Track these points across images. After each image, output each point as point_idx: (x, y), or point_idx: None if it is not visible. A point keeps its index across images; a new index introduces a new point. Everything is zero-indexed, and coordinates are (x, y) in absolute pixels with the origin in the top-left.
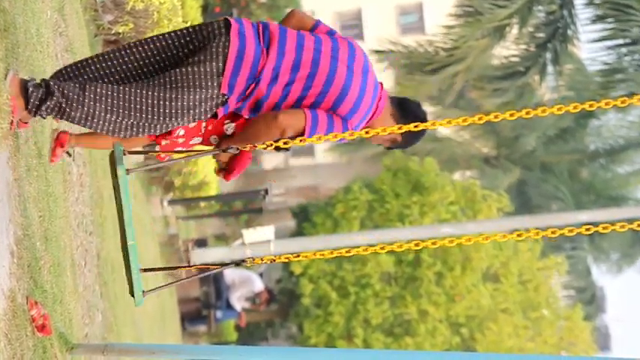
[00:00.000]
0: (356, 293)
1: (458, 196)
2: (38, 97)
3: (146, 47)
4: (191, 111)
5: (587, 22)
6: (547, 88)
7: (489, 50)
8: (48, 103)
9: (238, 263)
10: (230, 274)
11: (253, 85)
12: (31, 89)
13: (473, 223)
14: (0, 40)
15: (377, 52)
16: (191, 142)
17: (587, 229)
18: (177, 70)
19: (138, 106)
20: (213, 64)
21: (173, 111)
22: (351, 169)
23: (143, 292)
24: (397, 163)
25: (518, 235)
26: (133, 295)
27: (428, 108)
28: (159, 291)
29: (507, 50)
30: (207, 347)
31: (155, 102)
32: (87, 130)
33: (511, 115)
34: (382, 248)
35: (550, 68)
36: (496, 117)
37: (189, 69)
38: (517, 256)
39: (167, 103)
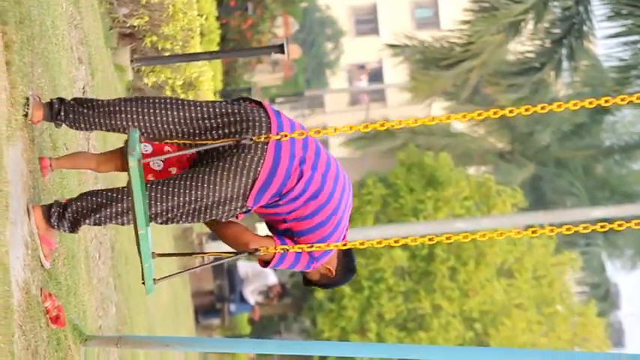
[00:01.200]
0: (370, 288)
1: (472, 191)
2: None
3: (182, 113)
4: (213, 211)
5: (603, 18)
6: (562, 84)
7: (505, 46)
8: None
9: (251, 252)
10: (244, 268)
11: (277, 198)
12: None
13: (487, 219)
14: (15, 33)
15: (392, 46)
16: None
17: (602, 227)
18: (209, 170)
19: (170, 197)
20: (243, 179)
21: (196, 209)
22: (365, 163)
23: (154, 280)
24: (412, 157)
25: (533, 232)
26: (144, 283)
27: (442, 103)
28: (171, 280)
29: (523, 46)
30: (221, 340)
31: (184, 199)
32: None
33: (526, 109)
34: (396, 241)
35: (565, 64)
36: (511, 112)
37: (219, 177)
38: (531, 251)
39: (194, 200)
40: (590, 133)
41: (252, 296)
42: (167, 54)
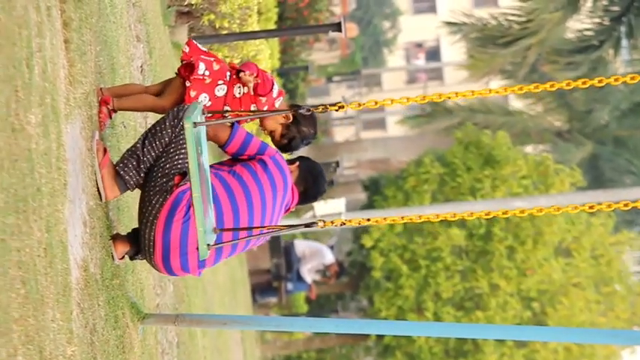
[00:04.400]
0: (427, 267)
1: (530, 170)
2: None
3: None
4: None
5: None
6: (621, 62)
7: (563, 23)
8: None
9: (309, 225)
10: (301, 247)
11: None
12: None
13: (545, 197)
14: (74, 11)
15: (449, 24)
16: (217, 89)
17: None
18: None
19: None
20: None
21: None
22: (422, 141)
23: (208, 245)
24: (469, 136)
25: (590, 207)
26: (198, 248)
27: (500, 82)
28: (228, 259)
29: (581, 23)
30: (278, 318)
31: None
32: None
33: (583, 82)
34: (453, 216)
35: (624, 42)
36: (568, 84)
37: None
38: (589, 230)
39: None
40: None
41: (309, 275)
42: (224, 32)
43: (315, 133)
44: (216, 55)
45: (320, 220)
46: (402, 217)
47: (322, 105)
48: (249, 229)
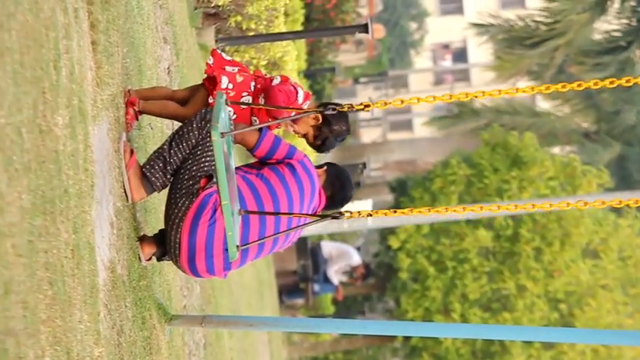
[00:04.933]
0: (454, 268)
1: (557, 171)
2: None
3: None
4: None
5: None
6: None
7: (590, 24)
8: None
9: (336, 217)
10: (327, 248)
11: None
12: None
13: (572, 199)
14: (101, 12)
15: (477, 25)
16: (243, 99)
17: None
18: None
19: None
20: None
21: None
22: (449, 143)
23: (237, 246)
24: (496, 137)
25: (618, 203)
26: (227, 250)
27: (527, 83)
28: (255, 261)
29: (609, 24)
30: (305, 320)
31: None
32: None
33: (611, 82)
34: (480, 208)
35: None
36: (596, 84)
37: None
38: (617, 232)
39: None
40: None
41: (335, 276)
42: (251, 34)
43: (348, 130)
44: (240, 64)
45: (346, 211)
46: (429, 209)
47: (348, 104)
48: (277, 214)
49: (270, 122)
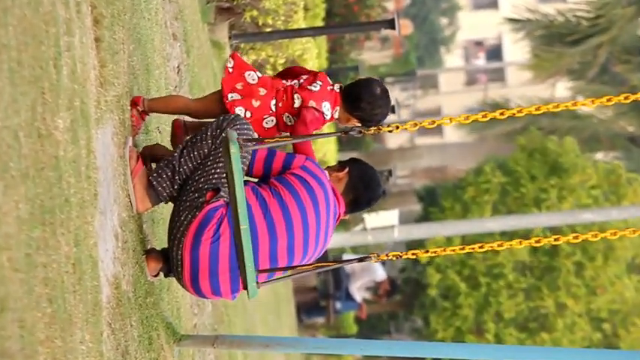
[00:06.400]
0: (487, 284)
1: (600, 179)
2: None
3: None
4: None
5: None
6: None
7: (636, 19)
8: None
9: (362, 259)
10: None
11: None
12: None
13: (617, 209)
14: (105, 7)
15: (512, 20)
16: (265, 122)
17: None
18: None
19: None
20: None
21: None
22: (482, 148)
23: (257, 283)
24: (533, 142)
25: None
26: (246, 288)
27: (567, 83)
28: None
29: None
30: (326, 340)
31: None
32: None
33: None
34: (520, 243)
35: None
36: None
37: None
38: None
39: None
40: None
41: (359, 293)
42: (268, 30)
43: (391, 108)
44: (262, 78)
45: (373, 254)
46: (464, 247)
47: (375, 126)
48: (290, 268)
49: (290, 141)
